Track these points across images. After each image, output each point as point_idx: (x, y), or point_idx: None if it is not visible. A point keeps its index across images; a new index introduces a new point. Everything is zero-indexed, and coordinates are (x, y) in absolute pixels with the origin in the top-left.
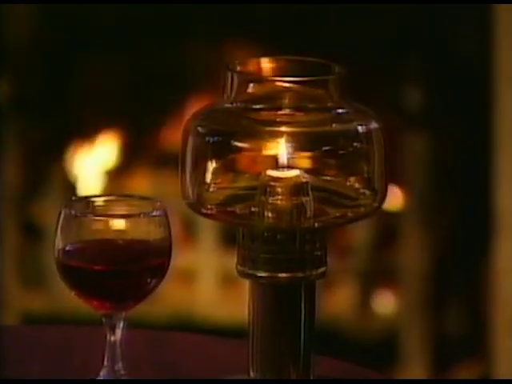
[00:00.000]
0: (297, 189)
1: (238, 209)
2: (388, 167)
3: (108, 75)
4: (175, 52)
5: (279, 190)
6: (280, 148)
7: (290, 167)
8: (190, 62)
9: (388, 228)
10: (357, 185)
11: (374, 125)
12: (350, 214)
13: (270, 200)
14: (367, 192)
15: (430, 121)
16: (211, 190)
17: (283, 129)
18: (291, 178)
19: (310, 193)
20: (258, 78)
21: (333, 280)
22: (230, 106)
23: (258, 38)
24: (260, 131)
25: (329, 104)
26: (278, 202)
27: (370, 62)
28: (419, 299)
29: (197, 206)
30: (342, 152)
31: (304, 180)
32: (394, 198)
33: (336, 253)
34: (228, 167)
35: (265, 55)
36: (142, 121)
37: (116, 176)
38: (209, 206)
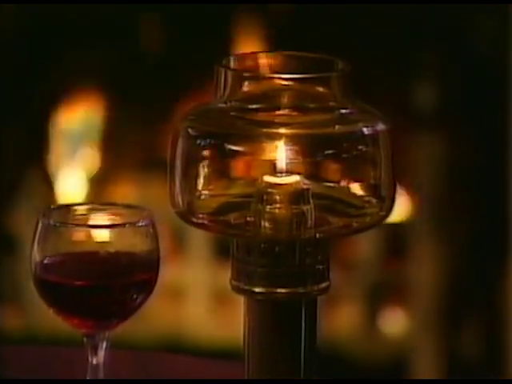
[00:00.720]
0: (297, 196)
1: (232, 218)
2: (396, 172)
3: (86, 72)
4: (165, 48)
5: (277, 197)
6: (278, 152)
7: (289, 173)
8: (180, 58)
9: (397, 239)
10: (362, 192)
11: (380, 126)
12: (354, 224)
13: (268, 208)
14: (373, 200)
15: (442, 121)
16: (203, 197)
17: (282, 130)
18: (290, 184)
19: (311, 201)
20: (255, 75)
21: (336, 296)
22: (223, 105)
23: (256, 32)
24: (256, 133)
25: (331, 103)
26: (276, 210)
27: (376, 58)
28: (431, 318)
29: (187, 214)
30: (345, 156)
31: (304, 187)
32: (403, 207)
33: (340, 266)
34: (221, 173)
35: (262, 50)
36: (125, 122)
37: (98, 182)
38: (200, 215)
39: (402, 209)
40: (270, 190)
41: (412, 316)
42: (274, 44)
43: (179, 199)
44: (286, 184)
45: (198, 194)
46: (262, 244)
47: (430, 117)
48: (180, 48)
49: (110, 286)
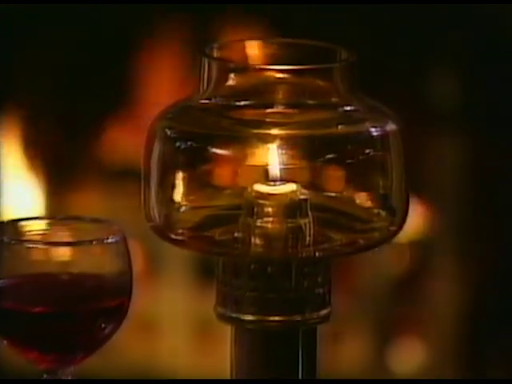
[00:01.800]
0: (292, 208)
1: (217, 234)
2: (410, 180)
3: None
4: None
5: (270, 209)
6: (271, 156)
7: (283, 180)
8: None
9: (411, 259)
10: (370, 203)
11: (391, 126)
12: (360, 241)
13: (259, 223)
14: (383, 212)
15: (465, 119)
16: (183, 209)
17: (275, 131)
18: (285, 194)
19: (310, 213)
20: (243, 66)
21: (340, 326)
22: (206, 102)
23: (247, 16)
24: (245, 135)
25: (334, 99)
26: (269, 225)
27: (386, 45)
28: (452, 352)
29: (164, 230)
30: (350, 161)
31: (302, 197)
32: (419, 220)
33: (343, 290)
34: (204, 181)
35: (253, 37)
36: (86, 124)
37: (59, 193)
38: (179, 231)
39: (416, 223)
40: (261, 200)
41: (429, 349)
42: (268, 30)
43: (155, 212)
44: (280, 194)
45: (176, 205)
46: (252, 264)
47: (450, 114)
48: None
49: (74, 313)
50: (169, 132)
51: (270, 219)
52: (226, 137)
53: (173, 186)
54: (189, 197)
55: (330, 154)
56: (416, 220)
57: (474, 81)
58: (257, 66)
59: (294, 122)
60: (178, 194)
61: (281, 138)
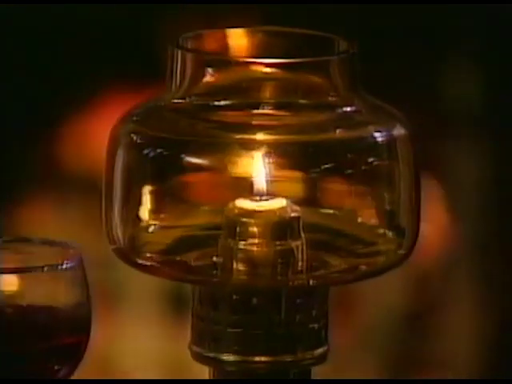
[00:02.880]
0: (282, 228)
1: (192, 258)
2: (422, 194)
3: None
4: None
5: (255, 229)
6: (257, 166)
7: (271, 195)
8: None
9: (424, 288)
10: (374, 221)
11: (399, 130)
12: (363, 267)
13: (242, 245)
14: (389, 232)
15: (487, 123)
16: (152, 229)
17: (262, 137)
18: (274, 211)
19: (303, 234)
20: (224, 60)
21: (338, 367)
22: (180, 101)
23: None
24: (226, 140)
25: (331, 99)
26: (254, 248)
27: (394, 35)
28: None
29: (130, 253)
30: (350, 172)
31: (293, 214)
32: (432, 242)
33: (343, 325)
34: (177, 195)
35: (235, 24)
36: (35, 127)
37: (2, 209)
38: (148, 255)
39: (429, 245)
40: (244, 219)
41: None
42: (256, 17)
43: (118, 232)
44: (267, 211)
45: (144, 224)
46: (233, 294)
47: (470, 117)
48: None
49: (23, 352)
50: (135, 137)
51: (256, 241)
52: (203, 143)
53: (140, 202)
54: (159, 214)
55: (326, 163)
56: (429, 241)
57: (498, 78)
58: (240, 59)
59: (283, 126)
60: (146, 211)
61: (268, 144)
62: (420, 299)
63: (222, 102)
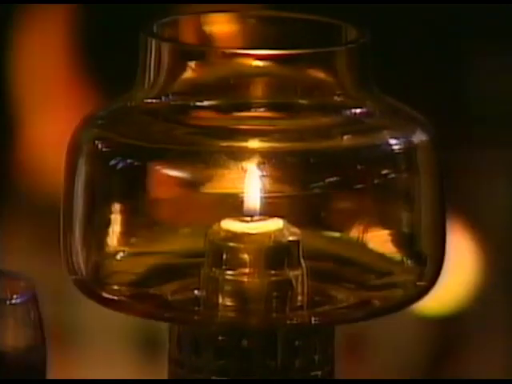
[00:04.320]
0: (278, 255)
1: (169, 292)
2: (447, 214)
3: None
4: None
5: (246, 256)
6: (248, 180)
7: (265, 215)
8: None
9: (446, 326)
10: (389, 247)
11: (420, 136)
12: (376, 302)
13: (229, 275)
14: (408, 260)
15: None
16: (120, 256)
17: (253, 144)
18: (268, 234)
19: (303, 262)
20: (207, 51)
21: None
22: (153, 101)
23: None
24: (210, 149)
25: (337, 98)
26: (244, 278)
27: (413, 23)
28: None
29: (93, 285)
30: (360, 187)
31: (291, 238)
32: (460, 271)
33: (352, 371)
34: (151, 216)
35: (221, 8)
36: None
37: None
38: (115, 287)
39: (458, 275)
40: (232, 243)
41: None
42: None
43: (80, 260)
44: (259, 234)
45: (111, 250)
46: (219, 335)
47: (501, 120)
48: None
49: None
50: (100, 146)
51: (246, 270)
52: (183, 152)
53: (106, 224)
54: (129, 238)
55: (331, 176)
56: (454, 270)
57: None
58: (227, 50)
59: (280, 131)
60: (114, 235)
61: (261, 153)
62: (441, 343)
63: (206, 103)
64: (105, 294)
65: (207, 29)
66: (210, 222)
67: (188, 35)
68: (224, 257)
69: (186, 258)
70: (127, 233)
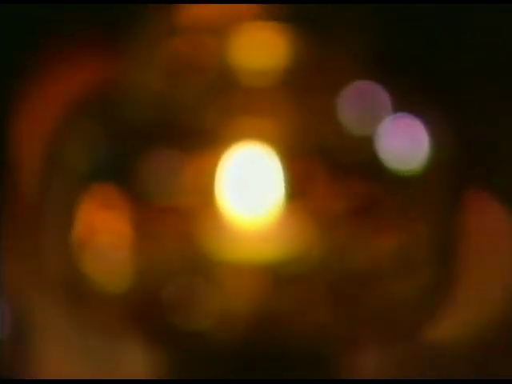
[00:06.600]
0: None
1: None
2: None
3: None
4: None
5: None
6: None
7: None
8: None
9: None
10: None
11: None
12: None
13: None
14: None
15: None
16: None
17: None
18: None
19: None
20: (193, 26)
21: None
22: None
23: None
24: (196, 150)
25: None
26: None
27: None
28: None
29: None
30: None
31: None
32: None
33: None
34: (129, 226)
35: None
36: None
37: None
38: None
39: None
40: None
41: None
42: None
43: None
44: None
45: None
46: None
47: None
48: None
49: None
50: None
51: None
52: (165, 153)
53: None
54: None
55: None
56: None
57: None
58: (218, 31)
59: (276, 130)
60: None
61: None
62: None
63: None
64: None
65: (197, 9)
66: (198, 233)
67: (177, 15)
68: (212, 274)
69: (172, 274)
70: (105, 245)
